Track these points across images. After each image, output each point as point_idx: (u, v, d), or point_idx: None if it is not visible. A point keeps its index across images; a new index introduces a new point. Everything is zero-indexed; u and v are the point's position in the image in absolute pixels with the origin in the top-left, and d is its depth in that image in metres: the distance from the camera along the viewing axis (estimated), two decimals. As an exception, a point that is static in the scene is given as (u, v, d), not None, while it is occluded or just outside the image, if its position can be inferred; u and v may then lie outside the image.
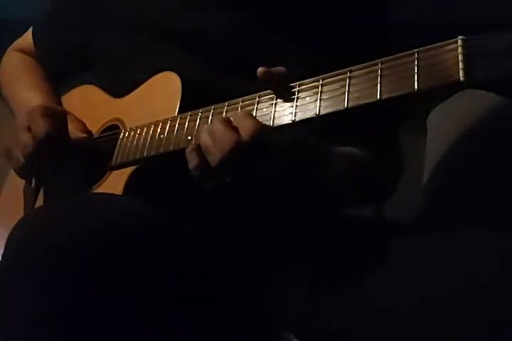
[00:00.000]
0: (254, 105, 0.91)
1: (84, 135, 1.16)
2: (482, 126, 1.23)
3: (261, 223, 1.08)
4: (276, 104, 0.89)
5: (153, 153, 1.03)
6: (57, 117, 1.16)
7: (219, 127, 0.88)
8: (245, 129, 0.86)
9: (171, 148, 1.00)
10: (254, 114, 0.91)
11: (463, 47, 0.69)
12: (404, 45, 0.79)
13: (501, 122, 1.22)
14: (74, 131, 1.16)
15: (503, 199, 1.18)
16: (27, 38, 1.43)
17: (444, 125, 1.33)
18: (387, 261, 0.95)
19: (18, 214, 1.25)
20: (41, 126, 1.12)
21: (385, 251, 0.97)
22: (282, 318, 0.98)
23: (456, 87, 0.69)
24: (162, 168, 1.06)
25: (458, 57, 0.69)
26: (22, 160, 1.14)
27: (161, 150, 1.02)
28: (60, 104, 1.31)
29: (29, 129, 1.14)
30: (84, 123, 1.19)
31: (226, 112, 0.94)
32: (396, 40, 1.12)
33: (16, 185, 1.32)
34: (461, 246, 0.90)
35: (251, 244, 1.07)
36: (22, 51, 1.46)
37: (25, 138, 1.13)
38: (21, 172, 1.20)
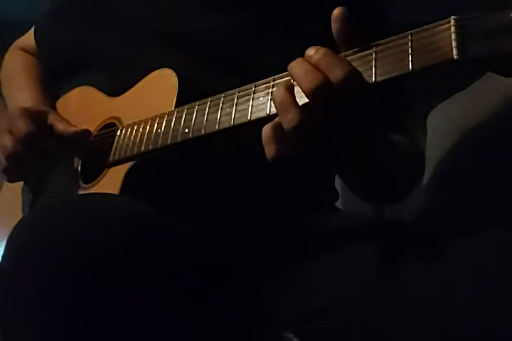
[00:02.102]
0: (250, 95, 0.91)
1: (76, 129, 1.16)
2: (482, 126, 1.23)
3: (261, 222, 1.09)
4: (272, 92, 0.88)
5: (150, 147, 1.03)
6: (36, 117, 1.17)
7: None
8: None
9: (169, 142, 1.00)
10: (250, 104, 0.90)
11: (456, 26, 0.70)
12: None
13: (501, 122, 1.22)
14: (63, 128, 1.16)
15: (503, 200, 1.18)
16: (29, 37, 1.45)
17: (444, 125, 1.33)
18: (387, 261, 0.95)
19: (17, 214, 1.27)
20: (20, 127, 1.14)
21: (384, 251, 0.97)
22: (282, 318, 0.98)
23: (450, 65, 0.70)
24: (159, 165, 1.06)
25: (451, 36, 0.70)
26: (4, 162, 1.16)
27: (159, 145, 1.02)
28: (52, 106, 1.31)
29: (9, 132, 1.15)
30: (68, 121, 1.19)
31: (223, 103, 0.94)
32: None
33: (13, 185, 1.32)
34: (460, 251, 0.89)
35: (251, 243, 1.07)
36: (24, 50, 1.48)
37: (5, 140, 1.15)
38: (6, 175, 1.21)
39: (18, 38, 1.50)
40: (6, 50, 1.50)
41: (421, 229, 1.05)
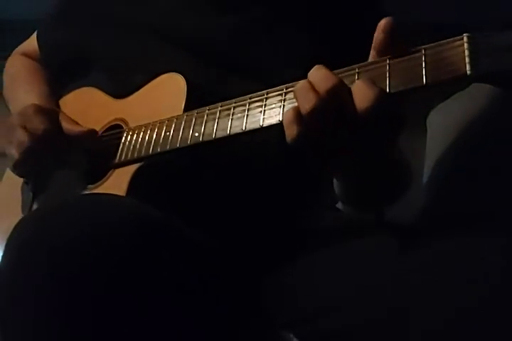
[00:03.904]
0: (262, 101, 0.92)
1: (84, 129, 1.17)
2: (482, 125, 1.24)
3: (263, 223, 1.09)
4: (285, 99, 0.89)
5: (159, 150, 1.04)
6: (50, 115, 1.17)
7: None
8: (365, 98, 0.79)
9: (178, 145, 1.01)
10: (262, 110, 0.91)
11: (468, 43, 0.72)
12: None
13: (500, 122, 1.23)
14: (71, 128, 1.17)
15: (503, 199, 1.19)
16: (32, 42, 1.44)
17: (444, 125, 1.34)
18: (386, 261, 0.95)
19: (16, 214, 1.28)
20: (38, 123, 1.14)
21: (384, 251, 0.98)
22: (282, 318, 0.98)
23: (463, 80, 0.72)
24: (166, 167, 1.07)
25: (464, 52, 0.72)
26: (16, 157, 1.16)
27: (168, 148, 1.02)
28: (57, 107, 1.31)
29: (24, 127, 1.15)
30: (77, 123, 1.20)
31: (234, 108, 0.95)
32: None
33: (13, 184, 1.32)
34: (460, 253, 0.90)
35: (252, 244, 1.07)
36: (26, 55, 1.48)
37: (20, 136, 1.15)
38: (17, 170, 1.21)
39: (18, 38, 1.49)
40: (5, 50, 1.50)
41: (421, 229, 1.06)
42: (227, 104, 0.97)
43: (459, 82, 0.72)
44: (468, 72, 0.70)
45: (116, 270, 0.81)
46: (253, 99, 0.93)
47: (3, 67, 1.48)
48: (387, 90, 0.78)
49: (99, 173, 1.14)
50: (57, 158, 1.18)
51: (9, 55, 1.50)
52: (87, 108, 1.26)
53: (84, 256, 0.80)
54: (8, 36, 1.53)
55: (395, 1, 1.17)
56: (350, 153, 0.85)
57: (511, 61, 0.68)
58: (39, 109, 1.17)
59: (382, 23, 0.81)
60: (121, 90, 1.19)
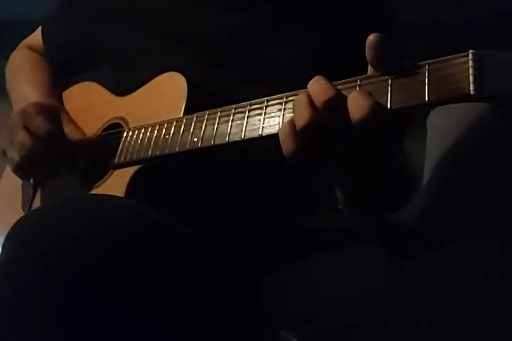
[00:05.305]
0: (262, 109, 0.91)
1: (79, 137, 1.16)
2: (482, 126, 1.24)
3: (262, 223, 1.09)
4: (284, 109, 0.88)
5: (158, 153, 1.03)
6: (52, 115, 1.16)
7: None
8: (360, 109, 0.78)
9: (177, 150, 1.00)
10: (261, 118, 0.91)
11: (474, 60, 0.70)
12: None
13: (501, 122, 1.22)
14: (70, 133, 1.16)
15: (503, 199, 1.19)
16: (36, 36, 1.44)
17: (444, 125, 1.34)
18: (386, 262, 0.96)
19: (16, 210, 1.28)
20: (41, 124, 1.13)
21: (384, 252, 0.98)
22: (282, 318, 0.98)
23: (466, 99, 0.70)
24: (165, 169, 1.07)
25: (469, 70, 0.70)
26: (17, 159, 1.14)
27: (166, 151, 1.02)
28: (60, 101, 1.30)
29: (25, 128, 1.13)
30: (76, 124, 1.19)
31: (233, 115, 0.94)
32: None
33: (13, 180, 1.31)
34: (460, 253, 0.90)
35: (251, 245, 1.07)
36: (31, 48, 1.47)
37: (22, 137, 1.13)
38: (19, 173, 1.20)
39: (18, 38, 1.49)
40: (5, 51, 1.49)
41: (421, 230, 1.06)
42: (227, 110, 0.96)
43: (462, 101, 0.70)
44: (471, 92, 0.69)
45: (116, 270, 0.81)
46: (253, 107, 0.92)
47: (3, 67, 1.48)
48: (388, 106, 0.76)
49: (99, 173, 1.14)
50: (60, 159, 1.16)
51: (9, 55, 1.50)
52: (89, 104, 1.25)
53: (84, 256, 0.80)
54: (8, 36, 1.52)
55: (395, 1, 1.16)
56: (346, 165, 0.85)
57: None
58: (40, 109, 1.15)
59: (369, 39, 0.78)
60: (123, 87, 1.19)
